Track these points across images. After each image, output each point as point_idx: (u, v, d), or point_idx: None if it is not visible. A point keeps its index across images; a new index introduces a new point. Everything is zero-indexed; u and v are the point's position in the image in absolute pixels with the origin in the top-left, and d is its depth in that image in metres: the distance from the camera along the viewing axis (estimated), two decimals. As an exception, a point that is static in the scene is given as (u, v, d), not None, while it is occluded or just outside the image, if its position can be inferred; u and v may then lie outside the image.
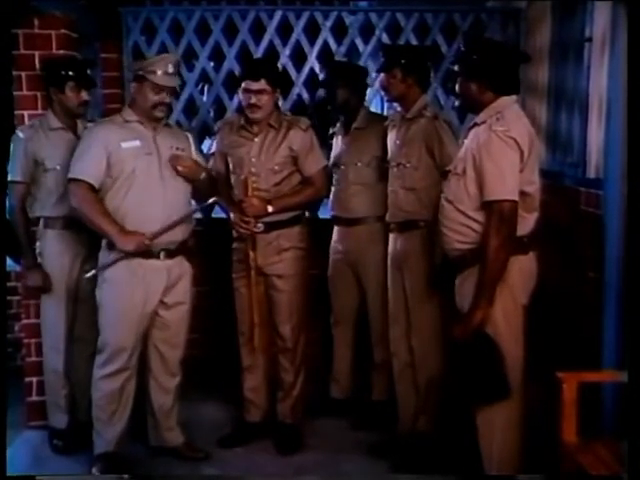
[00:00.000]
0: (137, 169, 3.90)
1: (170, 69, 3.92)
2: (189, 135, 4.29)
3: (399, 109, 4.39)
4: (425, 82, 4.34)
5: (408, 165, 4.16)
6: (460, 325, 3.35)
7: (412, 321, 4.20)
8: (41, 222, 4.35)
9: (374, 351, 4.72)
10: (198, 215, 5.10)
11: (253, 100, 4.21)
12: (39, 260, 4.34)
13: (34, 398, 4.68)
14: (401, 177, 4.21)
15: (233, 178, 4.39)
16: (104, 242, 3.99)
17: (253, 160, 4.29)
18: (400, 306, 4.25)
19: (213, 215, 5.30)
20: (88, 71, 4.40)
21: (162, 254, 3.98)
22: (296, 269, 4.40)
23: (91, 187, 3.89)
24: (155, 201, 3.93)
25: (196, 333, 4.93)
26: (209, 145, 5.08)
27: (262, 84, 4.19)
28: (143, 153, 3.93)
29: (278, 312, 4.41)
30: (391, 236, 4.31)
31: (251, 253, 4.30)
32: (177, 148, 4.05)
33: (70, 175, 3.92)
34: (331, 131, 4.85)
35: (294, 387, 4.52)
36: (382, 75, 4.28)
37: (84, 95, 4.33)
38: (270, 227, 4.30)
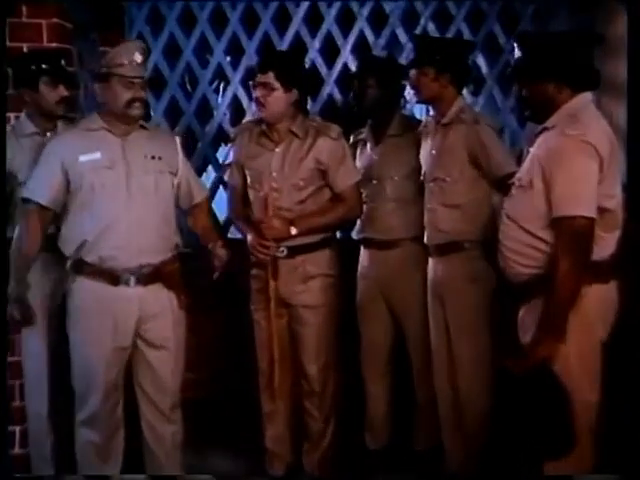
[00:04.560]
0: (96, 186, 3.85)
1: (138, 58, 3.87)
2: (176, 139, 4.17)
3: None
4: (462, 82, 4.32)
5: (448, 179, 4.15)
6: (519, 359, 3.30)
7: (456, 358, 4.18)
8: None
9: (416, 391, 4.65)
10: None
11: (257, 94, 4.18)
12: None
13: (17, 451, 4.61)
14: (440, 193, 4.18)
15: (251, 194, 4.33)
16: (68, 264, 3.94)
17: (274, 174, 4.23)
18: (442, 341, 4.23)
19: (228, 235, 5.25)
20: (62, 61, 4.34)
21: (132, 280, 3.90)
22: (325, 299, 4.32)
23: (42, 209, 3.88)
24: (118, 223, 3.85)
25: (205, 373, 5.06)
26: (225, 154, 5.12)
27: (268, 77, 4.14)
28: (103, 167, 3.86)
29: (304, 349, 4.34)
30: (430, 260, 4.27)
31: (271, 282, 4.24)
32: (153, 157, 3.95)
33: (22, 195, 3.92)
34: (353, 138, 4.74)
35: (323, 437, 4.45)
36: (413, 72, 4.24)
37: (62, 90, 4.25)
38: (295, 251, 4.24)
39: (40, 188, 3.88)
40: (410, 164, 4.48)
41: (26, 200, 3.89)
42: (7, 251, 3.95)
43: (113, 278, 3.88)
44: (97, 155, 3.85)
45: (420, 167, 4.38)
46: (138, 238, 3.87)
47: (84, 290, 3.92)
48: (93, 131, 3.92)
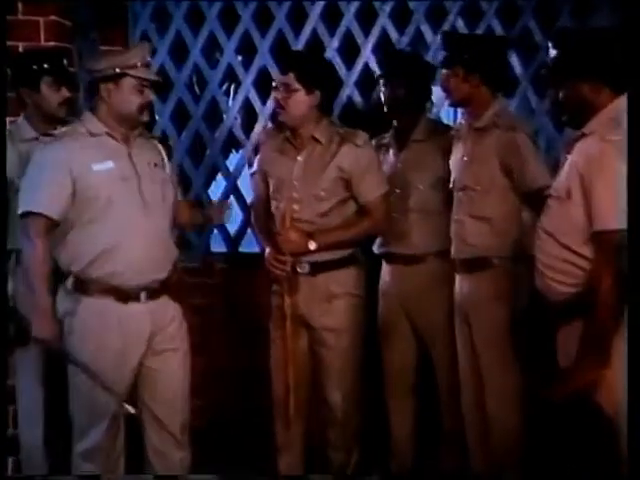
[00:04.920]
0: (113, 198, 3.80)
1: (149, 59, 3.93)
2: (157, 144, 4.15)
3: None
4: (499, 82, 4.26)
5: (478, 188, 4.08)
6: (558, 385, 3.23)
7: (484, 380, 4.13)
8: (13, 257, 4.22)
9: (442, 413, 4.60)
10: (222, 249, 5.31)
11: (277, 96, 4.18)
12: (11, 304, 4.20)
13: (9, 483, 4.54)
14: (468, 203, 4.13)
15: (273, 205, 4.32)
16: (70, 281, 3.85)
17: (295, 183, 4.22)
18: (469, 362, 4.19)
19: (241, 249, 5.26)
20: (65, 61, 4.34)
21: (143, 295, 3.87)
22: (350, 321, 4.28)
23: (50, 223, 3.78)
24: (136, 238, 3.83)
25: (213, 397, 4.96)
26: (237, 161, 5.17)
27: (289, 78, 4.12)
28: (118, 177, 3.81)
29: (326, 375, 4.30)
30: (457, 276, 4.23)
31: (286, 299, 4.20)
32: (155, 165, 3.96)
33: (23, 208, 3.79)
34: (375, 144, 4.62)
35: (346, 468, 4.39)
36: (443, 72, 4.21)
37: (65, 92, 4.24)
38: (317, 268, 4.20)
39: (49, 200, 3.77)
40: (436, 172, 4.43)
41: (28, 214, 3.77)
42: (6, 261, 4.01)
43: (123, 294, 3.84)
44: (110, 164, 3.81)
45: (448, 175, 4.33)
46: (152, 251, 3.86)
47: (90, 310, 3.84)
48: (96, 136, 3.86)
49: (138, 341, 3.88)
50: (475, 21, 5.06)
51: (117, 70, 3.78)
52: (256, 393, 4.59)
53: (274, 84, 4.22)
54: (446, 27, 5.06)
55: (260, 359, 4.45)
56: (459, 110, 5.18)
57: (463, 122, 4.38)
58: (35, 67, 4.21)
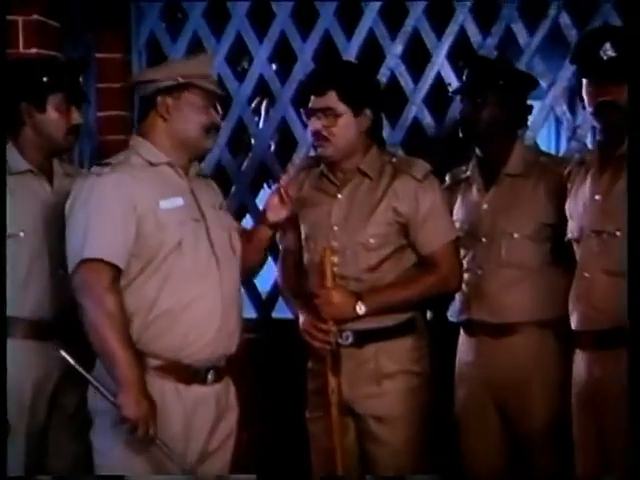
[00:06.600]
0: (184, 244, 3.57)
1: (212, 71, 3.82)
2: (213, 182, 3.96)
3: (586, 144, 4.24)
4: None
5: (618, 234, 3.66)
6: None
7: None
8: None
9: None
10: (252, 314, 5.05)
11: (317, 126, 3.90)
12: None
13: None
14: (603, 254, 3.71)
15: (306, 257, 4.06)
16: None
17: (336, 229, 3.98)
18: (595, 470, 3.77)
19: (274, 314, 5.05)
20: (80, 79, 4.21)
21: (210, 375, 3.64)
22: (406, 407, 3.99)
23: (114, 273, 3.49)
24: (209, 297, 3.63)
25: None
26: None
27: (329, 100, 3.88)
28: (189, 218, 3.59)
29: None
30: (580, 355, 3.79)
31: (331, 380, 3.90)
32: (220, 207, 3.79)
33: (78, 257, 3.46)
34: (450, 179, 4.43)
35: None
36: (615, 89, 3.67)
37: (75, 116, 4.05)
38: (364, 338, 3.93)
39: (111, 243, 3.52)
40: (537, 217, 4.10)
41: (85, 263, 3.46)
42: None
43: (187, 374, 3.66)
44: (179, 201, 3.62)
45: (553, 222, 4.04)
46: (227, 316, 3.69)
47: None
48: (155, 166, 3.64)
49: (198, 436, 3.68)
50: (585, 17, 4.68)
51: (179, 80, 3.61)
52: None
53: (310, 105, 3.92)
54: (546, 25, 4.70)
55: (294, 445, 4.29)
56: (564, 133, 4.89)
57: (590, 151, 4.01)
58: (46, 79, 4.02)
